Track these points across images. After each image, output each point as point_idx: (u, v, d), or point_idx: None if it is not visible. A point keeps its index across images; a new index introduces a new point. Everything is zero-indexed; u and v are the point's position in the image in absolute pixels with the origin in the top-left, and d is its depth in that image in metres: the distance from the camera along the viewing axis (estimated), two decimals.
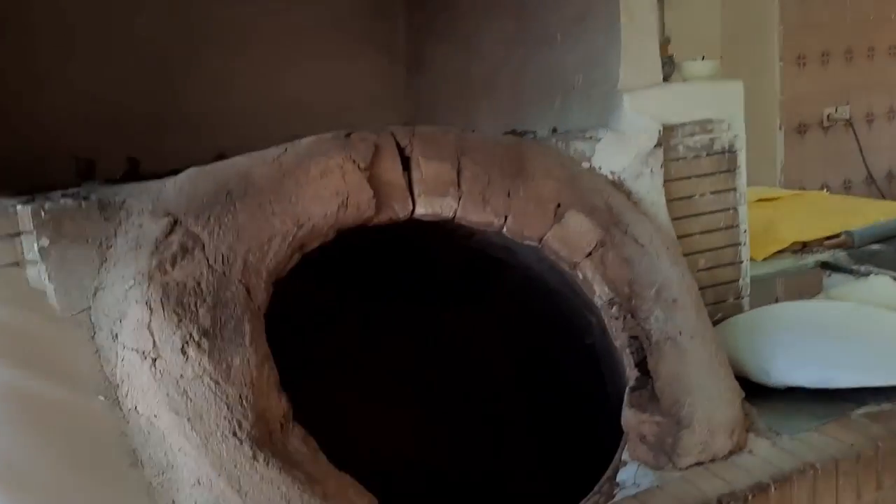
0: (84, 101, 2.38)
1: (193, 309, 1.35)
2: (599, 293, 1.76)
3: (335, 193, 1.63)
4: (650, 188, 1.96)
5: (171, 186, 1.51)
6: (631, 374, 1.65)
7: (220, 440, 1.24)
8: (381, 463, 2.21)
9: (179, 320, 1.33)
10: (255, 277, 1.46)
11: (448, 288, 2.37)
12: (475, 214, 1.80)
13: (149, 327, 1.32)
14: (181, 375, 1.29)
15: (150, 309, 1.33)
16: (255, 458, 1.24)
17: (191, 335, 1.32)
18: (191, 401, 1.27)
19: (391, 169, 1.74)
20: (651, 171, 1.96)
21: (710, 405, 1.57)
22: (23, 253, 1.38)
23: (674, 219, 1.99)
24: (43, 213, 1.36)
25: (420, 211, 1.76)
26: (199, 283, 1.38)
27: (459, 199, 1.79)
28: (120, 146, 2.25)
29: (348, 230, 1.69)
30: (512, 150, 1.88)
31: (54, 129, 2.31)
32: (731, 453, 1.56)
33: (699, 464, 1.53)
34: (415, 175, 1.77)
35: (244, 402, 1.29)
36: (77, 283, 1.37)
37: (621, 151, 1.96)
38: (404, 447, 2.33)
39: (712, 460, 1.53)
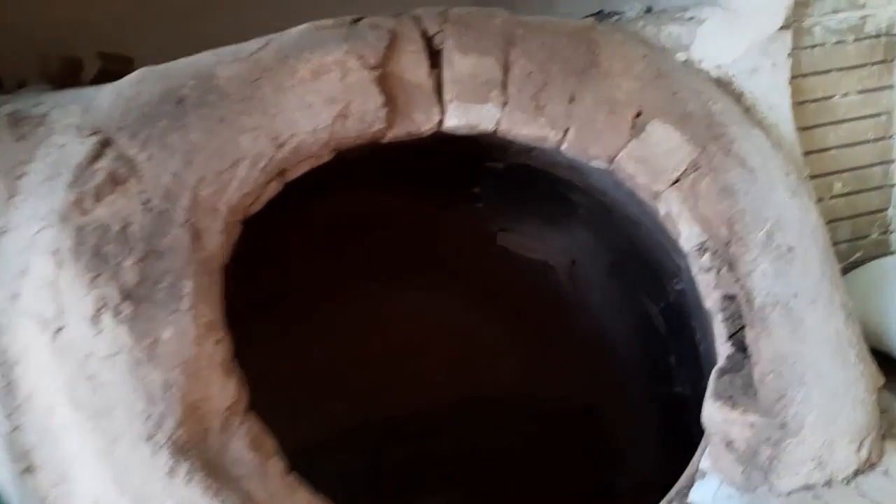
0: None
1: (115, 262, 1.02)
2: (687, 235, 1.31)
3: (330, 101, 1.24)
4: (770, 87, 1.45)
5: (108, 93, 1.16)
6: (722, 348, 1.22)
7: (129, 446, 0.93)
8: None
9: (95, 277, 1.00)
10: (210, 217, 1.11)
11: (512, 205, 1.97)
12: (525, 126, 1.37)
13: (54, 286, 1.00)
14: (90, 353, 0.97)
15: (59, 261, 1.01)
16: (172, 472, 0.92)
17: (107, 298, 0.99)
18: (98, 389, 0.96)
19: (413, 66, 1.33)
20: (772, 63, 1.45)
21: (832, 402, 1.13)
22: None
23: (801, 129, 1.48)
24: None
25: (451, 123, 1.34)
26: (126, 227, 1.04)
27: (504, 106, 1.36)
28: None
29: (353, 148, 1.32)
30: (580, 40, 1.41)
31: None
32: (856, 473, 1.12)
33: (808, 488, 1.10)
34: (446, 74, 1.35)
35: (170, 390, 0.97)
36: None
37: (732, 37, 1.45)
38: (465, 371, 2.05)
39: (828, 483, 1.10)
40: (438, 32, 1.36)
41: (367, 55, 1.28)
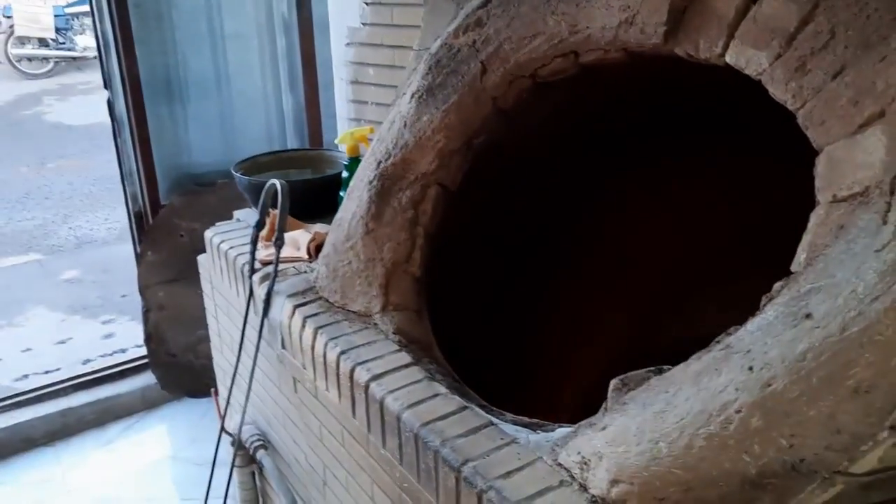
0: None
1: (438, 69, 1.68)
2: (797, 257, 1.12)
3: (624, 8, 1.49)
4: None
5: None
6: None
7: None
8: None
9: (424, 75, 1.70)
10: (499, 63, 1.62)
11: None
12: (774, 84, 1.30)
13: (414, 72, 1.75)
14: (401, 113, 1.72)
15: (423, 61, 1.74)
16: (369, 199, 1.65)
17: (419, 88, 1.69)
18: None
19: None
20: None
21: None
22: None
23: None
24: None
25: (727, 59, 1.38)
26: (457, 52, 1.67)
27: (776, 60, 1.31)
28: None
29: (643, 54, 1.51)
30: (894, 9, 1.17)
31: None
32: None
33: None
34: (752, 11, 1.36)
35: (403, 146, 1.65)
36: (437, 27, 1.84)
37: None
38: None
39: None
40: None
41: None
